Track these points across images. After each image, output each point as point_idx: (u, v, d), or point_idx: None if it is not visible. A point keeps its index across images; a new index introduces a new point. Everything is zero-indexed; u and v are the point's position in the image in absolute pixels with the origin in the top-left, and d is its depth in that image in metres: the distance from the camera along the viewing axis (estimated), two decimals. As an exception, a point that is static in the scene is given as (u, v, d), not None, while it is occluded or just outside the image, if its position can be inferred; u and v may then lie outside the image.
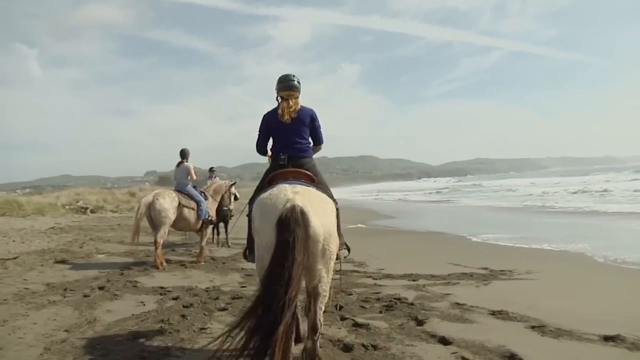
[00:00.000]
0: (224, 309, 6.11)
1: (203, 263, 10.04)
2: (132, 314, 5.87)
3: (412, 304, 6.26)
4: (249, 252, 4.51)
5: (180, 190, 10.22)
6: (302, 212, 3.43)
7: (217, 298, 6.71)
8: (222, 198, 11.40)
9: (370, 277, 8.42)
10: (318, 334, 3.81)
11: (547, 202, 26.29)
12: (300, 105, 4.72)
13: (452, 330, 5.08)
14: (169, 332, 5.07)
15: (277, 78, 4.79)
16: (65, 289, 7.28)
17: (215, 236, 13.67)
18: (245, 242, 4.75)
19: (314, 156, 4.93)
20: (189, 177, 10.34)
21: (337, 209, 4.24)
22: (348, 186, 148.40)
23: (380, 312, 5.96)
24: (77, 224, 19.78)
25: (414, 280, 7.93)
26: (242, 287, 7.66)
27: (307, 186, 4.07)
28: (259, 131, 4.86)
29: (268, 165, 4.90)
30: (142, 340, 4.84)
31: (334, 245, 3.73)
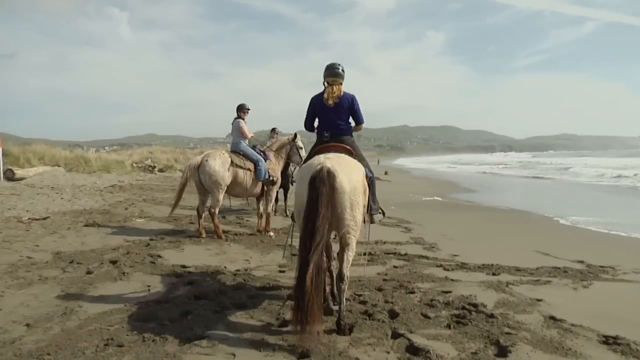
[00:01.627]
0: (242, 306, 4.67)
1: (272, 234, 8.79)
2: (125, 305, 4.58)
3: (491, 315, 4.60)
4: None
5: (235, 150, 8.88)
6: (329, 172, 3.99)
7: (241, 288, 5.30)
8: (289, 156, 9.60)
9: (440, 266, 6.89)
10: (345, 282, 4.14)
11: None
12: (343, 92, 5.23)
13: (550, 372, 3.42)
14: (153, 341, 3.71)
15: (325, 66, 5.29)
16: (72, 261, 6.16)
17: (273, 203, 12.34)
18: None
19: (357, 133, 5.60)
20: (243, 135, 8.94)
21: (369, 177, 4.78)
22: (427, 156, 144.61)
23: (448, 326, 4.34)
24: (140, 183, 19.28)
25: (494, 275, 6.37)
26: (281, 271, 6.27)
27: (341, 154, 4.62)
28: (307, 112, 5.42)
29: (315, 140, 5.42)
30: (109, 351, 3.51)
31: (359, 198, 4.22)
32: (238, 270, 6.19)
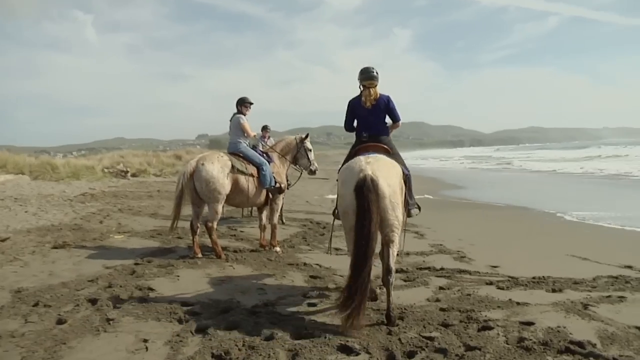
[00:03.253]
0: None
1: (279, 249, 7.52)
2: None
3: (613, 360, 3.50)
4: (338, 211, 5.02)
5: (234, 151, 7.45)
6: (372, 179, 4.26)
7: (271, 338, 3.92)
8: (296, 159, 8.19)
9: (491, 283, 5.80)
10: (392, 274, 4.45)
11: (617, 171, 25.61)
12: (379, 94, 5.47)
13: None
14: None
15: (360, 70, 5.50)
16: (37, 304, 4.66)
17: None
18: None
19: (394, 132, 5.84)
20: (245, 134, 7.54)
21: (405, 174, 5.04)
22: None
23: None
24: (113, 190, 17.58)
25: (555, 291, 5.43)
26: (311, 304, 4.93)
27: (379, 155, 4.87)
28: (346, 114, 5.69)
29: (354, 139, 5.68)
30: None
31: (398, 199, 4.49)
32: (256, 305, 4.82)
